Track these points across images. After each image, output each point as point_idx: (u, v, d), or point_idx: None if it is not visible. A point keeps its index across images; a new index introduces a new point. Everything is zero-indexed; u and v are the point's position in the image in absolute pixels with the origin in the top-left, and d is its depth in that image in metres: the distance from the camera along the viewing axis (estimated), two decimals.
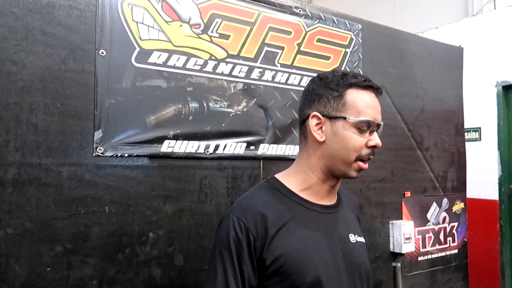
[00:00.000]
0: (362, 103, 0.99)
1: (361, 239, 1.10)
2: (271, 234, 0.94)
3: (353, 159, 0.99)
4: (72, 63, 1.25)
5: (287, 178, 1.05)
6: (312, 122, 1.01)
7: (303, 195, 1.03)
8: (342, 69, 1.87)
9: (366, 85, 1.01)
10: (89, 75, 1.27)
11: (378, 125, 1.01)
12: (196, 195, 1.44)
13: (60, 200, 1.19)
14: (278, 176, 1.08)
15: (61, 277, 1.18)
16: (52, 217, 1.18)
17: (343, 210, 1.10)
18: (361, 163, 1.00)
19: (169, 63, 1.44)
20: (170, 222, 1.37)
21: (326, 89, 1.01)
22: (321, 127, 1.01)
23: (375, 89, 1.02)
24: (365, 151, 0.99)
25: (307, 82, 1.10)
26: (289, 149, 1.71)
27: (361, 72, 1.93)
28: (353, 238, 1.06)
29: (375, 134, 1.00)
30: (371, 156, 1.01)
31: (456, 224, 2.35)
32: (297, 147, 1.71)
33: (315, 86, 1.04)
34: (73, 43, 1.25)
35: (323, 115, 1.00)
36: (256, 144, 1.62)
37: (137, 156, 1.34)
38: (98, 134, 1.28)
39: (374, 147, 1.00)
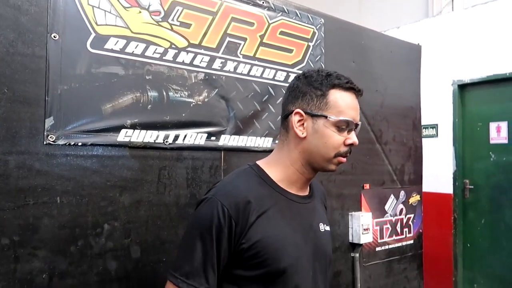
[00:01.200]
0: (343, 104, 1.05)
1: (328, 228, 1.17)
2: (252, 220, 0.98)
3: (332, 156, 1.05)
4: (21, 46, 1.18)
5: (269, 168, 1.09)
6: (294, 118, 1.06)
7: (282, 185, 1.07)
8: (305, 63, 1.89)
9: (348, 86, 1.06)
10: (40, 59, 1.21)
11: (356, 125, 1.07)
12: (154, 185, 1.41)
13: (6, 190, 1.13)
14: (260, 164, 1.11)
15: (7, 271, 1.12)
16: None
17: (315, 200, 1.16)
18: (341, 158, 1.06)
19: (127, 50, 1.39)
20: (126, 213, 1.33)
21: (310, 88, 1.06)
22: (302, 124, 1.06)
23: (356, 91, 1.09)
24: (343, 149, 1.05)
25: (292, 79, 1.17)
26: (250, 141, 1.70)
27: (323, 66, 1.95)
28: (322, 227, 1.13)
29: (353, 133, 1.06)
30: (349, 154, 1.08)
31: (412, 215, 2.44)
32: (259, 138, 1.72)
33: (299, 83, 1.09)
34: (23, 25, 1.19)
35: (305, 113, 1.05)
36: (217, 135, 1.60)
37: (92, 145, 1.29)
38: (49, 122, 1.23)
39: (351, 145, 1.06)
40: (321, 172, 1.11)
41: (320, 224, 1.13)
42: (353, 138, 1.06)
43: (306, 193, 1.14)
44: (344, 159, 1.07)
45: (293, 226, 1.04)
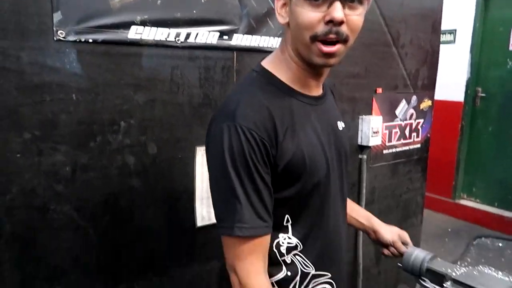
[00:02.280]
0: None
1: (344, 125, 1.09)
2: (281, 137, 0.86)
3: (308, 39, 0.84)
4: None
5: (275, 68, 0.94)
6: (277, 4, 0.91)
7: (296, 87, 0.94)
8: None
9: None
10: None
11: None
12: (167, 85, 1.40)
13: (22, 86, 1.14)
14: (266, 65, 0.95)
15: (33, 163, 1.18)
16: (16, 103, 1.14)
17: (329, 98, 1.07)
18: (321, 45, 0.83)
19: None
20: (141, 112, 1.35)
21: None
22: (285, 8, 0.90)
23: None
24: (320, 29, 0.82)
25: None
26: (264, 41, 1.65)
27: None
28: (340, 125, 1.06)
29: (335, 6, 0.80)
30: (332, 36, 0.82)
31: (422, 120, 2.45)
32: (272, 38, 1.66)
33: None
34: None
35: None
36: (230, 34, 1.55)
37: (103, 42, 1.26)
38: (57, 17, 1.18)
39: (331, 22, 0.81)
40: (318, 68, 0.92)
41: (338, 122, 1.06)
42: (331, 12, 0.80)
43: (320, 92, 1.01)
44: (326, 48, 0.83)
45: (317, 133, 0.94)
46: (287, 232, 0.94)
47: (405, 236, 1.22)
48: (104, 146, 1.29)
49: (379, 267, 2.47)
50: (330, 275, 1.01)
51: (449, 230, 4.05)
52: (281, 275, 0.95)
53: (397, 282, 2.66)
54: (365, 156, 2.11)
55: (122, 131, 1.32)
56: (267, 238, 0.87)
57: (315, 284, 0.99)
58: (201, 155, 1.51)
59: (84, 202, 1.28)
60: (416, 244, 2.74)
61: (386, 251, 1.23)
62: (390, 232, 1.22)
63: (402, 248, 1.19)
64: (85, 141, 1.26)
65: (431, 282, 1.08)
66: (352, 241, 2.22)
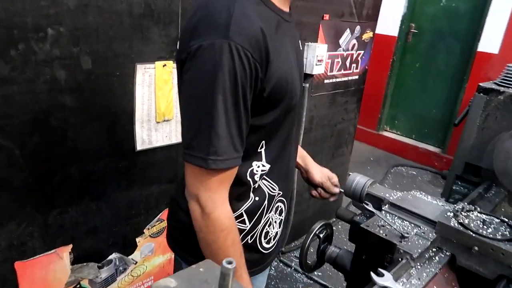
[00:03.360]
0: None
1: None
2: (271, 58, 0.78)
3: None
4: None
5: None
6: None
7: (275, 1, 0.85)
8: None
9: None
10: None
11: None
12: None
13: None
14: None
15: None
16: None
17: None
18: None
19: None
20: (72, 18, 1.17)
21: None
22: None
23: None
24: None
25: None
26: None
27: None
28: (300, 45, 1.02)
29: None
30: None
31: (362, 52, 2.48)
32: None
33: None
34: None
35: None
36: None
37: None
38: None
39: None
40: None
41: (299, 41, 1.02)
42: None
43: (288, 8, 0.94)
44: None
45: (292, 53, 0.89)
46: (261, 159, 0.90)
47: (335, 178, 1.24)
48: (28, 56, 1.11)
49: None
50: (282, 193, 1.02)
51: (371, 159, 4.37)
52: (249, 203, 0.93)
53: (321, 208, 2.86)
54: (307, 85, 2.11)
55: (50, 39, 1.14)
56: (237, 168, 0.83)
57: (275, 203, 1.00)
58: (141, 74, 1.39)
59: (6, 120, 1.12)
60: (345, 172, 2.92)
61: (314, 192, 1.26)
62: (320, 173, 1.24)
63: (331, 189, 1.22)
64: (3, 48, 1.07)
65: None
66: None
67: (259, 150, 0.90)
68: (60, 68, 1.18)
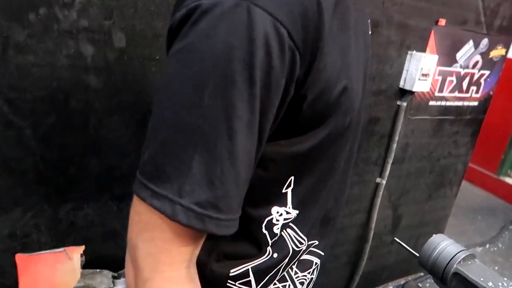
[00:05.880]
0: None
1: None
2: (321, 47, 0.46)
3: None
4: None
5: None
6: None
7: None
8: None
9: None
10: None
11: None
12: None
13: None
14: None
15: None
16: None
17: None
18: None
19: None
20: None
21: None
22: None
23: None
24: None
25: None
26: None
27: None
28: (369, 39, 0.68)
29: None
30: None
31: (487, 72, 1.95)
32: None
33: None
34: None
35: None
36: None
37: None
38: None
39: None
40: None
41: (369, 33, 0.67)
42: None
43: None
44: None
45: (356, 45, 0.56)
46: (285, 203, 0.59)
47: None
48: (50, 24, 0.96)
49: (395, 234, 2.15)
50: (316, 243, 0.69)
51: (485, 207, 3.62)
52: (261, 260, 0.62)
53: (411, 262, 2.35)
54: (404, 104, 1.69)
55: (77, 7, 0.98)
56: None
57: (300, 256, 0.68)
58: None
59: (19, 93, 0.98)
60: (444, 218, 2.37)
61: None
62: None
63: None
64: (21, 11, 0.93)
65: None
66: (367, 202, 1.88)
67: (284, 191, 0.58)
68: (87, 42, 1.02)
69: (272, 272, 0.64)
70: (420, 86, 1.64)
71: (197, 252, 0.51)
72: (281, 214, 0.59)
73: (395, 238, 0.85)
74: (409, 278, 2.48)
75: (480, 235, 3.07)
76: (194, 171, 0.43)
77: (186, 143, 0.44)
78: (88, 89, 1.06)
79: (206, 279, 0.57)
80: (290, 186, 0.57)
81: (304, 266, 0.69)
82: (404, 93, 1.67)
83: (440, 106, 1.87)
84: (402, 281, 2.43)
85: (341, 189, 0.70)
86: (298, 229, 0.63)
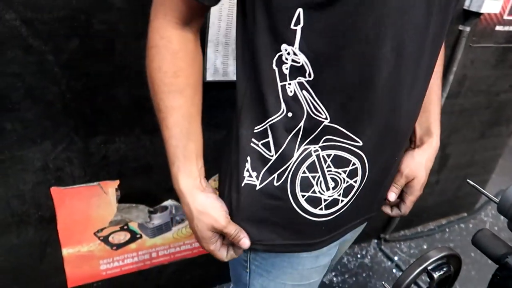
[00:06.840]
0: None
1: None
2: None
3: None
4: None
5: None
6: None
7: None
8: None
9: None
10: None
11: None
12: None
13: None
14: None
15: None
16: None
17: None
18: None
19: None
20: None
21: None
22: None
23: None
24: None
25: None
26: None
27: None
28: None
29: None
30: None
31: None
32: None
33: None
34: None
35: None
36: None
37: None
38: None
39: None
40: None
41: None
42: None
43: None
44: None
45: None
46: (293, 42, 0.54)
47: (415, 193, 0.83)
48: None
49: (440, 174, 2.02)
50: (361, 143, 0.60)
51: None
52: (277, 116, 0.59)
53: (450, 199, 2.23)
54: (467, 29, 1.47)
55: None
56: None
57: (328, 146, 0.60)
58: None
59: (36, 12, 0.88)
60: (495, 158, 2.20)
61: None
62: (411, 165, 0.78)
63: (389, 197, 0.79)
64: None
65: None
66: None
67: (292, 27, 0.53)
68: None
69: (289, 137, 0.59)
70: (490, 7, 1.41)
71: (193, 24, 0.61)
72: (289, 53, 0.55)
73: (468, 180, 0.73)
74: (451, 218, 2.39)
75: None
76: None
77: None
78: (111, 8, 0.94)
79: (236, 141, 0.64)
80: (299, 22, 0.52)
81: (339, 162, 0.61)
82: (469, 15, 1.45)
83: (509, 31, 1.63)
84: (443, 221, 2.35)
85: (414, 85, 0.60)
86: (314, 94, 0.57)
